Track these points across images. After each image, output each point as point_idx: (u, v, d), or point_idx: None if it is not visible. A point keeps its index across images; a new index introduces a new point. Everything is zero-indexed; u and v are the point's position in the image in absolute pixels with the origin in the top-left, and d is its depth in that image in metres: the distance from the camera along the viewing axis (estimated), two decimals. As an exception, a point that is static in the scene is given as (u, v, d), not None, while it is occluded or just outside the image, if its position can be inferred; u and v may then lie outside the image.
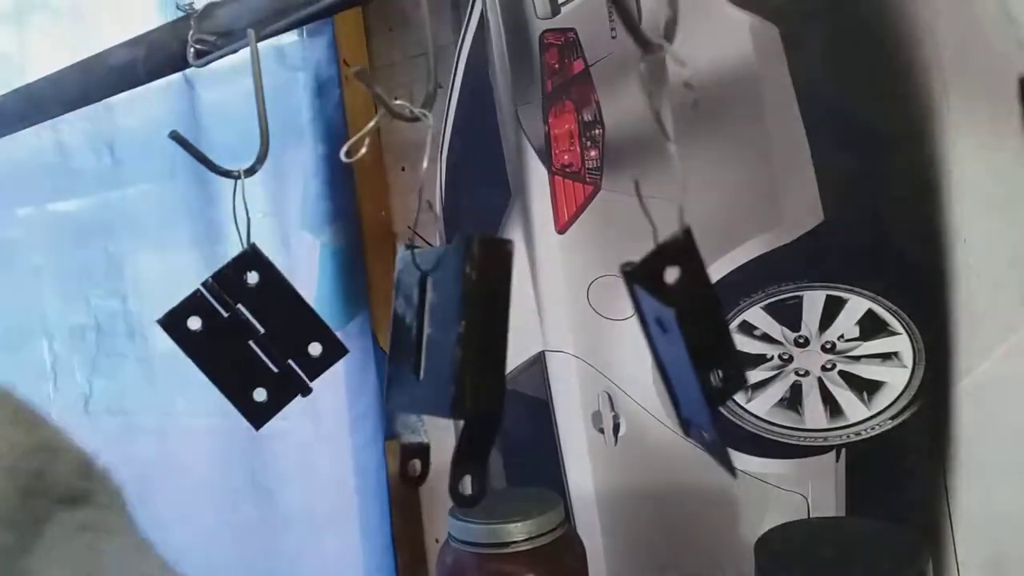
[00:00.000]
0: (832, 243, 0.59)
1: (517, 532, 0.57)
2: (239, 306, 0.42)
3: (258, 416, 0.42)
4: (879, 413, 0.58)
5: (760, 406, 0.62)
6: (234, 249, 0.47)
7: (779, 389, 0.61)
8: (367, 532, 0.80)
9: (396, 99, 0.36)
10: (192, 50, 0.54)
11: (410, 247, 0.34)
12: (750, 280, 0.61)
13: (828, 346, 0.59)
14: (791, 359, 0.61)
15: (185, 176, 0.90)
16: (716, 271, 0.61)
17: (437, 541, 0.81)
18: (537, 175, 0.71)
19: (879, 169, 0.57)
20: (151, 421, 0.98)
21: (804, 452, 0.61)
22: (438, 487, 0.80)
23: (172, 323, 0.41)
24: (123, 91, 0.69)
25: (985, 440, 0.55)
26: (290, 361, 0.43)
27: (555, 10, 0.69)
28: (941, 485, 0.56)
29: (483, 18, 0.73)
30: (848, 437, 0.59)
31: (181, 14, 0.59)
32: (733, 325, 0.62)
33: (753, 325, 0.61)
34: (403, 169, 0.81)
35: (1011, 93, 0.52)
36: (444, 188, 0.77)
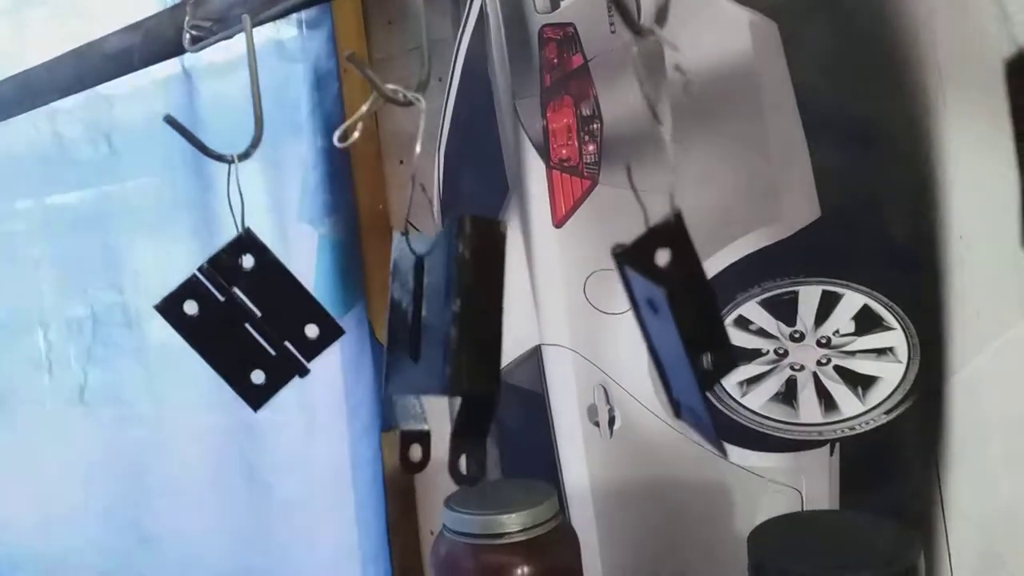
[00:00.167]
0: (828, 239, 0.59)
1: (511, 523, 0.57)
2: (235, 290, 0.42)
3: (256, 398, 0.42)
4: (873, 408, 0.58)
5: (755, 400, 0.62)
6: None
7: (774, 383, 0.62)
8: (363, 523, 0.80)
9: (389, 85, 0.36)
10: (188, 36, 0.54)
11: (405, 233, 0.34)
12: (746, 275, 0.61)
13: (823, 341, 0.60)
14: (786, 354, 0.61)
15: (184, 168, 0.90)
16: (713, 266, 0.61)
17: (432, 533, 0.81)
18: (535, 169, 0.72)
19: (876, 165, 0.57)
20: (147, 411, 0.98)
21: (798, 446, 0.61)
22: (434, 478, 0.81)
23: (169, 308, 0.41)
24: (118, 77, 0.69)
25: (978, 434, 0.55)
26: (287, 343, 0.43)
27: (554, 5, 0.69)
28: (934, 478, 0.56)
29: (482, 12, 0.73)
30: (842, 431, 0.60)
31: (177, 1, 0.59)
32: (729, 320, 0.62)
33: (749, 320, 0.62)
34: (401, 162, 0.81)
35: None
36: (442, 181, 0.77)
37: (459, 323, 0.31)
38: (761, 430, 0.62)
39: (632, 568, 0.70)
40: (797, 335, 0.60)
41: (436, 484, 0.80)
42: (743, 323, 0.62)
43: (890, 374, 0.58)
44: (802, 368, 0.61)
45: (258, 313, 0.42)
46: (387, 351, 0.35)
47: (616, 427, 0.69)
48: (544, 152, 0.71)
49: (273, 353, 0.43)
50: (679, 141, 0.61)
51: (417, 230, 0.37)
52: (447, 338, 0.31)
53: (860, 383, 0.59)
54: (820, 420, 0.60)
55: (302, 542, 0.86)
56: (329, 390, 0.81)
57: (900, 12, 0.55)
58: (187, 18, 0.56)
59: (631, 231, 0.31)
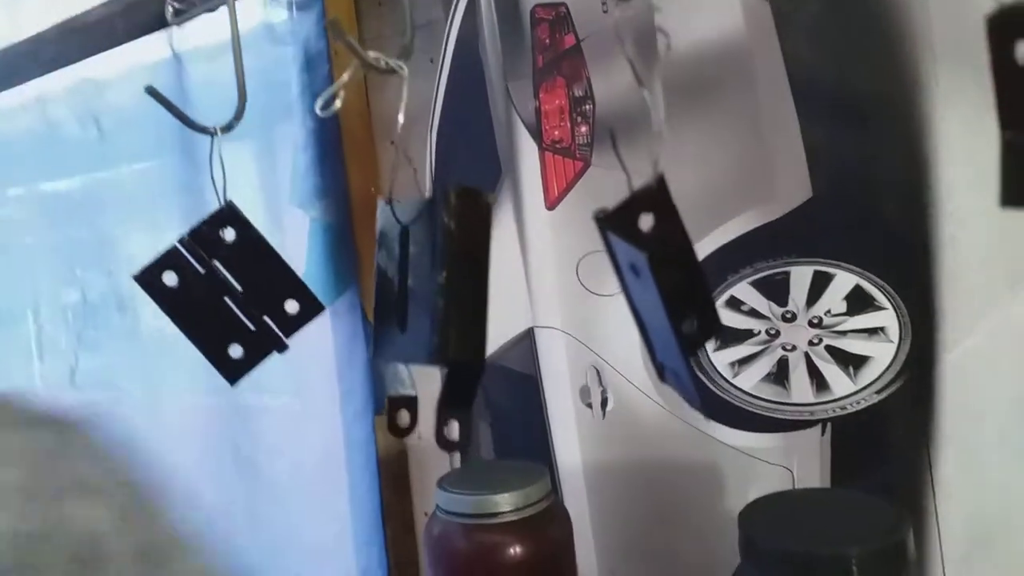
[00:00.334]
0: (820, 219, 0.59)
1: (504, 503, 0.57)
2: (215, 263, 0.42)
3: (233, 372, 0.42)
4: (865, 387, 0.59)
5: (746, 380, 0.62)
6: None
7: (766, 364, 0.62)
8: (356, 505, 0.80)
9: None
10: (170, 8, 0.54)
11: (390, 201, 0.34)
12: (738, 256, 0.61)
13: (815, 321, 0.60)
14: (778, 334, 0.61)
15: (175, 152, 0.90)
16: (704, 247, 0.61)
17: (426, 514, 0.81)
18: (527, 151, 0.71)
19: (868, 144, 0.57)
20: (138, 395, 0.98)
21: (790, 426, 0.61)
22: (426, 461, 0.81)
23: (148, 278, 0.41)
24: (102, 51, 0.68)
25: (969, 413, 0.55)
26: (266, 318, 0.43)
27: (546, -16, 0.68)
28: (925, 457, 0.56)
29: (474, -8, 0.73)
30: (834, 411, 0.60)
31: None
32: (720, 301, 0.62)
33: (740, 300, 0.62)
34: (392, 143, 0.81)
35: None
36: (434, 163, 0.77)
37: (445, 294, 0.31)
38: (752, 410, 0.62)
39: (624, 547, 0.70)
40: (789, 315, 0.61)
41: (429, 466, 0.80)
42: (735, 304, 0.62)
43: (881, 354, 0.58)
44: (794, 348, 0.61)
45: (238, 287, 0.42)
46: (375, 319, 0.35)
47: (609, 408, 0.70)
48: (536, 134, 0.70)
49: (252, 328, 0.42)
50: (669, 121, 0.61)
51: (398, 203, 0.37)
52: (434, 308, 0.31)
53: (851, 363, 0.59)
54: (811, 400, 0.60)
55: (295, 525, 0.86)
56: (322, 374, 0.81)
57: (893, -10, 0.54)
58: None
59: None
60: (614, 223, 0.29)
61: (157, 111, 0.88)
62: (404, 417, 0.37)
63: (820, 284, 0.59)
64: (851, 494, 0.53)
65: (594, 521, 0.71)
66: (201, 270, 0.41)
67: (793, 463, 0.61)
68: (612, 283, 0.67)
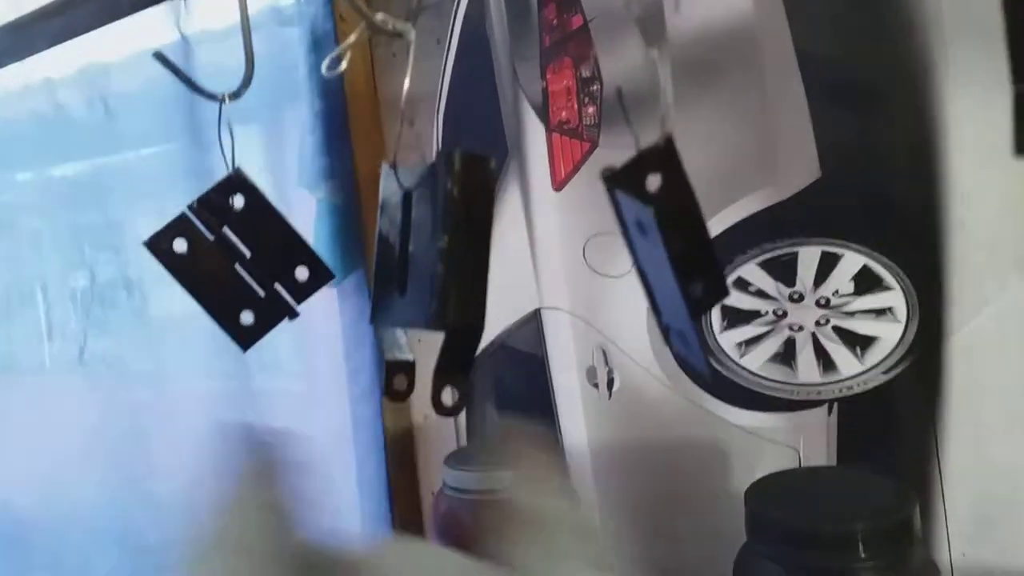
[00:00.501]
0: (829, 199, 0.59)
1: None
2: (225, 229, 0.42)
3: (245, 338, 0.42)
4: (872, 367, 0.59)
5: (753, 361, 0.62)
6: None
7: (773, 344, 0.62)
8: (363, 484, 0.81)
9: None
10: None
11: (394, 166, 0.34)
12: (746, 236, 0.61)
13: (822, 301, 0.60)
14: (785, 315, 0.61)
15: (183, 135, 0.90)
16: (712, 227, 0.61)
17: (433, 493, 0.82)
18: (534, 132, 0.71)
19: (877, 125, 0.57)
20: (148, 377, 0.99)
21: (797, 406, 0.61)
22: (435, 439, 0.82)
23: (158, 245, 0.41)
24: (108, 23, 0.68)
25: (975, 393, 0.55)
26: (276, 285, 0.43)
27: (554, -36, 0.68)
28: (931, 437, 0.56)
29: (482, -27, 0.72)
30: (840, 391, 0.60)
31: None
32: (728, 282, 0.62)
33: (748, 281, 0.62)
34: (400, 123, 0.81)
35: (1010, 48, 0.52)
36: (441, 144, 0.77)
37: (446, 259, 0.31)
38: (760, 390, 0.62)
39: (630, 525, 0.71)
40: (796, 296, 0.61)
41: (436, 445, 0.81)
42: (742, 284, 0.62)
43: (889, 334, 0.58)
44: (801, 329, 0.61)
45: (248, 254, 0.42)
46: (374, 284, 0.36)
47: (615, 388, 0.70)
48: (543, 115, 0.70)
49: (262, 294, 0.43)
50: (677, 101, 0.61)
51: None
52: (434, 273, 0.31)
53: (859, 343, 0.59)
54: (818, 380, 0.60)
55: (302, 504, 0.86)
56: (330, 354, 0.82)
57: (904, -31, 0.54)
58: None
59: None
60: (621, 181, 0.29)
61: (164, 94, 0.89)
62: (401, 381, 0.37)
63: (828, 265, 0.59)
64: (856, 472, 0.53)
65: (600, 499, 0.71)
66: (211, 237, 0.41)
67: (799, 443, 0.62)
68: (619, 264, 0.67)
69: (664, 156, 0.29)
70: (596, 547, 0.34)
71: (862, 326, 0.59)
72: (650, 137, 0.31)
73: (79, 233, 1.05)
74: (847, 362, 0.59)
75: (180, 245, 0.41)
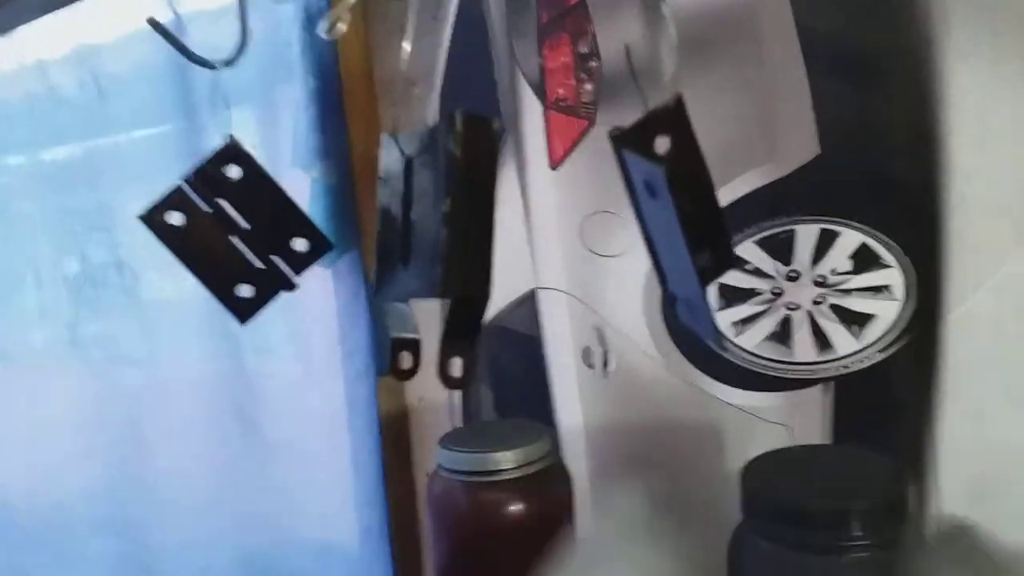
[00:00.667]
0: (827, 176, 0.58)
1: (505, 461, 0.57)
2: (221, 201, 0.41)
3: (244, 311, 0.42)
4: (869, 346, 0.58)
5: (750, 340, 0.62)
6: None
7: (769, 323, 0.61)
8: (358, 466, 0.81)
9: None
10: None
11: (394, 134, 0.33)
12: (744, 214, 0.61)
13: (820, 280, 0.59)
14: (782, 293, 0.61)
15: (176, 116, 0.89)
16: (709, 205, 0.61)
17: (427, 475, 0.81)
18: (531, 109, 0.70)
19: (876, 101, 0.56)
20: (141, 360, 0.98)
21: (793, 385, 0.61)
22: (428, 422, 0.81)
23: (154, 218, 0.40)
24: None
25: (972, 371, 0.55)
26: (274, 256, 0.42)
27: (551, -61, 0.67)
28: (927, 415, 0.56)
29: (477, -52, 0.71)
30: (837, 370, 0.60)
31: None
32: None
33: (745, 260, 0.61)
34: (394, 104, 0.80)
35: (1012, 23, 0.52)
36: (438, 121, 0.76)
37: (449, 223, 0.30)
38: (755, 369, 0.62)
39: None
40: (793, 274, 0.60)
41: (431, 427, 0.80)
42: (739, 263, 0.61)
43: (886, 312, 0.57)
44: (797, 307, 0.60)
45: (245, 225, 0.41)
46: (376, 260, 0.35)
47: (611, 369, 0.69)
48: (540, 92, 0.70)
49: (261, 266, 0.42)
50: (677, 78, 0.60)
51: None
52: (437, 239, 0.30)
53: (856, 321, 0.58)
54: (815, 359, 0.60)
55: (297, 486, 0.86)
56: (324, 335, 0.81)
57: (905, -58, 0.53)
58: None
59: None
60: (629, 141, 0.28)
61: (158, 75, 0.88)
62: (406, 360, 0.36)
63: (826, 242, 0.59)
64: (851, 450, 0.53)
65: (595, 480, 0.71)
66: (207, 209, 0.41)
67: (795, 422, 0.61)
68: (616, 243, 0.67)
69: (674, 116, 0.28)
70: None
71: (859, 304, 0.58)
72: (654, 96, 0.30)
73: (71, 216, 1.04)
74: (844, 341, 0.59)
75: (176, 218, 0.40)
